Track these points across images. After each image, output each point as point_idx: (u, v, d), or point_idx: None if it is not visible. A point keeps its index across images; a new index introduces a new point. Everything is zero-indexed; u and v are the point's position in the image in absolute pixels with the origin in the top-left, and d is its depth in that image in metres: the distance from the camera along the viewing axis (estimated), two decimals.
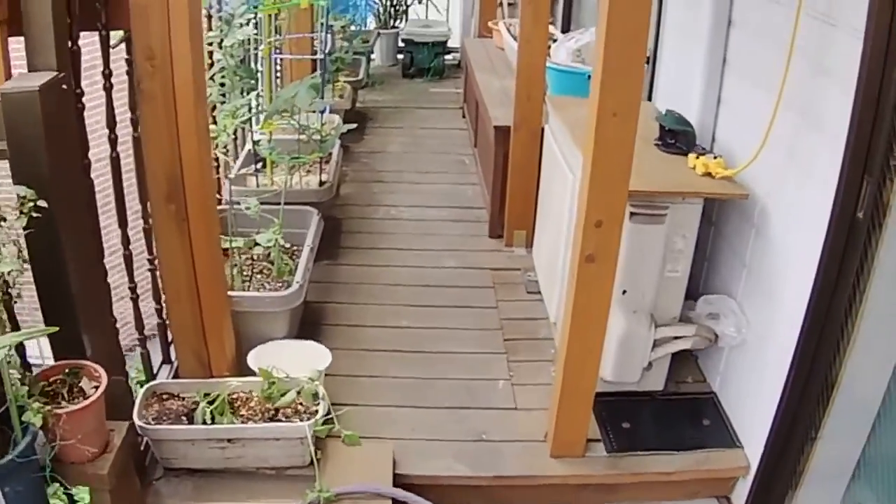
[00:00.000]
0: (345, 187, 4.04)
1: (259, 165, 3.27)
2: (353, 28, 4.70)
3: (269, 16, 3.26)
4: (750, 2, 2.48)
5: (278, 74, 4.09)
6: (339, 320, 2.94)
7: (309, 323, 2.86)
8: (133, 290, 2.31)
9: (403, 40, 5.93)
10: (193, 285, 2.25)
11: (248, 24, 2.56)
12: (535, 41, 3.13)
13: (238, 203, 2.58)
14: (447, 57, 6.17)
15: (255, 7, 2.84)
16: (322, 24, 3.55)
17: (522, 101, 3.21)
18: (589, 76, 3.51)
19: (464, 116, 5.09)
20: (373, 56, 6.11)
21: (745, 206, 2.41)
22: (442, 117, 5.14)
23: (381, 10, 6.17)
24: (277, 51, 3.44)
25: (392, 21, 6.25)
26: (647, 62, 3.30)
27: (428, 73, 5.90)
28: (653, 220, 2.31)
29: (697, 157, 2.42)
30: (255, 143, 3.23)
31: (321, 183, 3.26)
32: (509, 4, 5.27)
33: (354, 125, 3.12)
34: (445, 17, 6.41)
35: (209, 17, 2.92)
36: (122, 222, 2.19)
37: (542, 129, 3.22)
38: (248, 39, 2.88)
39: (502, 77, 4.08)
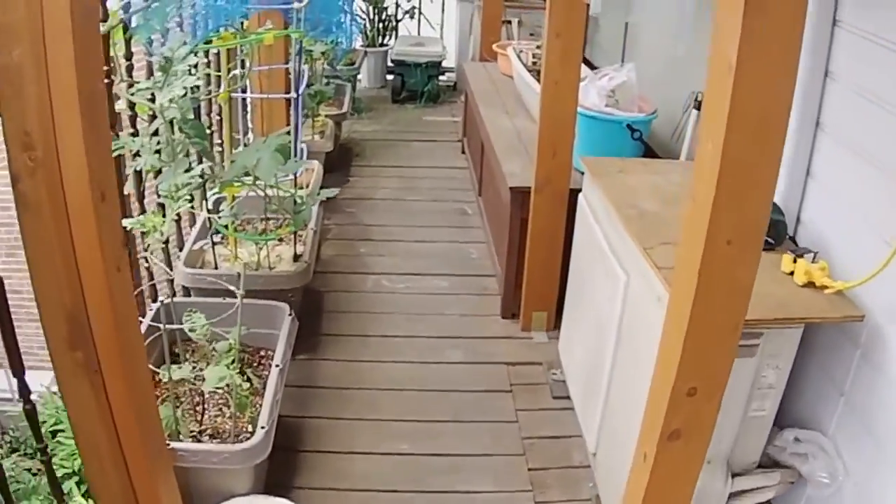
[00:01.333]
0: (326, 247, 3.41)
1: (218, 237, 2.64)
2: (337, 50, 4.06)
3: (229, 50, 2.63)
4: (857, 50, 1.88)
5: (246, 112, 3.45)
6: (321, 445, 2.31)
7: (282, 448, 2.23)
8: (43, 451, 1.69)
9: (393, 61, 5.31)
10: (117, 448, 1.62)
11: (191, 71, 1.94)
12: (564, 86, 2.52)
13: (179, 316, 1.95)
14: (442, 78, 5.56)
15: (206, 42, 2.22)
16: (298, 50, 2.93)
17: (546, 158, 2.60)
18: (628, 125, 2.93)
19: (463, 152, 4.47)
20: (359, 77, 5.49)
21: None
22: (438, 153, 4.53)
23: (368, 26, 5.55)
24: (242, 90, 2.81)
25: (380, 38, 5.61)
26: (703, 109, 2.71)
27: (421, 98, 5.27)
28: (742, 353, 1.71)
29: (795, 260, 1.81)
30: (213, 207, 2.61)
31: (296, 257, 2.64)
32: (518, 23, 4.64)
33: (336, 191, 2.50)
34: (439, 34, 5.79)
35: (149, 63, 2.27)
36: (17, 368, 1.56)
37: (572, 191, 2.62)
38: (197, 86, 2.26)
39: (513, 115, 3.47)
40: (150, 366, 1.83)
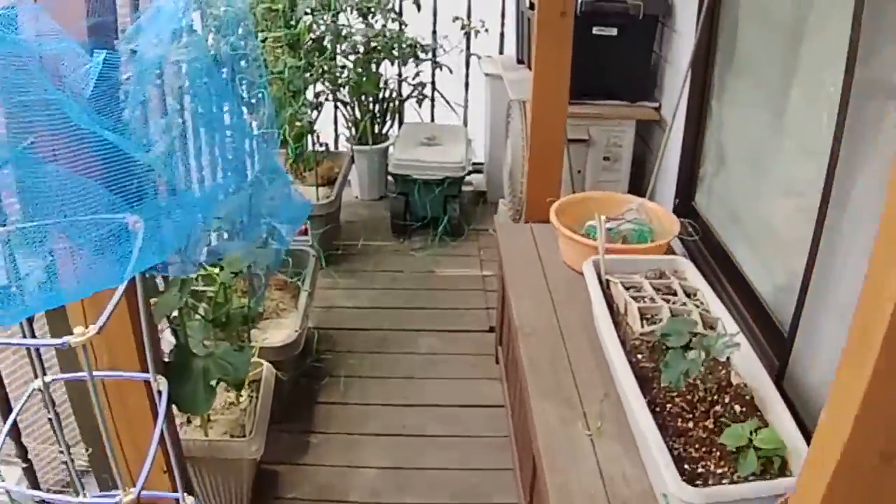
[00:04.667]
0: None
1: None
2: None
3: None
4: None
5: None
6: None
7: None
8: None
9: (392, 175, 3.56)
10: None
11: None
12: None
13: None
14: (468, 180, 3.82)
15: None
16: None
17: None
18: None
19: (497, 361, 2.77)
20: (349, 179, 3.79)
21: None
22: (455, 365, 2.78)
23: (357, 110, 3.79)
24: None
25: (376, 127, 3.86)
26: None
27: (434, 231, 3.55)
28: None
29: None
30: None
31: None
32: (587, 145, 2.87)
33: None
34: (462, 118, 4.00)
35: None
36: None
37: None
38: None
39: (598, 422, 1.74)
40: None
